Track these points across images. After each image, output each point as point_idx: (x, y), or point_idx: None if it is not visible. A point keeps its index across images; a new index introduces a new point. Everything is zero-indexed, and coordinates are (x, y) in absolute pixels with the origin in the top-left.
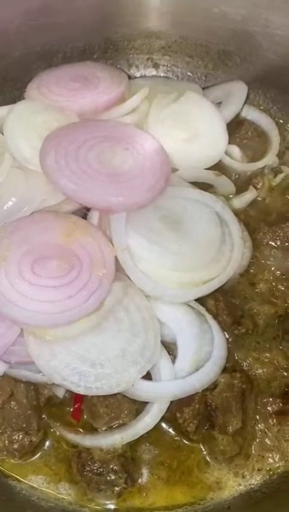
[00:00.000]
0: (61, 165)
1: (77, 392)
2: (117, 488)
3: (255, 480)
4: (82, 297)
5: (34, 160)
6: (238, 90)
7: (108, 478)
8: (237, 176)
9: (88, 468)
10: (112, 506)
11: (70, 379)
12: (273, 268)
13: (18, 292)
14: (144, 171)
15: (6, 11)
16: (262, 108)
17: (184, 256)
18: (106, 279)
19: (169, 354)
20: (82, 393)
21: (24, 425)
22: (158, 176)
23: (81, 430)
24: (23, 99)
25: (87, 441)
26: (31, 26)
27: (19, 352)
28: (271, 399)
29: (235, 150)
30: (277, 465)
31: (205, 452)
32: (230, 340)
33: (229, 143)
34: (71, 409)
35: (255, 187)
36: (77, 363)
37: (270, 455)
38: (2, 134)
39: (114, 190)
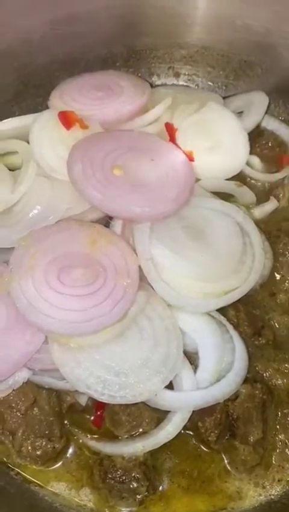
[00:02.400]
0: (88, 175)
1: (101, 400)
2: (138, 496)
3: (275, 491)
4: (108, 306)
5: (60, 169)
6: (259, 101)
7: (131, 486)
8: (258, 186)
9: (110, 476)
10: None
11: (94, 388)
12: None
13: (44, 300)
14: (168, 182)
15: (32, 20)
16: (282, 118)
17: (206, 266)
18: (130, 288)
19: (190, 364)
20: (105, 401)
21: (47, 432)
22: (183, 187)
23: (103, 437)
24: (46, 105)
25: (108, 448)
26: (55, 34)
27: (43, 359)
28: None
29: (256, 160)
30: None
31: (225, 462)
32: (250, 350)
33: (249, 153)
34: (92, 417)
35: (276, 197)
36: (102, 372)
37: None
38: (27, 141)
39: (139, 200)
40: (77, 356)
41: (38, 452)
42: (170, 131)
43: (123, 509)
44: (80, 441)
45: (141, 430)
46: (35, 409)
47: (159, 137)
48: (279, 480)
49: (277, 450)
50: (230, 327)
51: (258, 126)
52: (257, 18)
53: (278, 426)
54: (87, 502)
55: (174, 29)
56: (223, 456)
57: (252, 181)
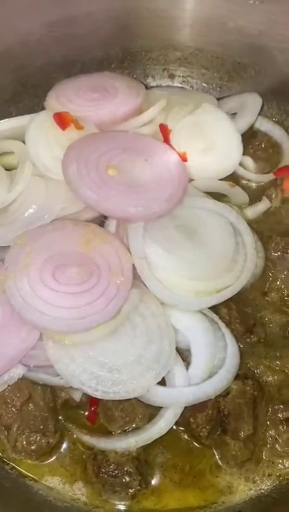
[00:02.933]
0: (83, 175)
1: (94, 396)
2: (131, 490)
3: (265, 485)
4: (101, 304)
5: (55, 169)
6: (253, 102)
7: (123, 480)
8: (250, 187)
9: (103, 470)
10: (126, 508)
11: (88, 384)
12: (284, 278)
13: (39, 298)
14: (162, 182)
15: (30, 23)
16: (275, 119)
17: (199, 265)
18: (124, 286)
19: (183, 360)
20: (99, 397)
21: (41, 427)
22: (176, 187)
23: (96, 433)
24: (42, 106)
25: (102, 443)
26: (52, 37)
27: (38, 356)
28: (281, 406)
29: (249, 161)
30: (287, 470)
31: (216, 457)
32: (242, 347)
33: (243, 154)
34: (86, 413)
35: (268, 198)
36: (95, 368)
37: (280, 461)
38: (23, 142)
39: (133, 200)
40: (72, 352)
41: (33, 447)
42: (164, 132)
43: (116, 503)
44: (74, 436)
45: (134, 425)
46: (30, 404)
47: (154, 138)
48: (269, 475)
49: (268, 446)
50: (222, 325)
51: (251, 127)
52: (250, 21)
53: (268, 422)
54: (80, 496)
55: (168, 31)
56: (214, 451)
57: (245, 182)
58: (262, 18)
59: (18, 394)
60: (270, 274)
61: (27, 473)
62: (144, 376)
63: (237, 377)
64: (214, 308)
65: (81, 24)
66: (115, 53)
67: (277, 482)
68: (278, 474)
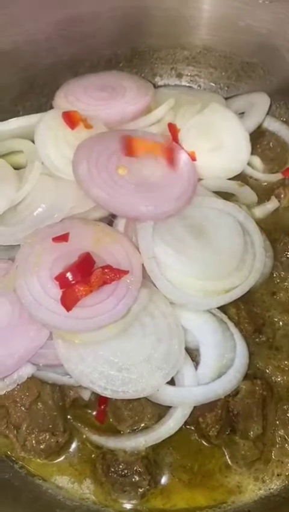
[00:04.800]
0: (93, 175)
1: (104, 395)
2: (140, 490)
3: (275, 485)
4: (111, 303)
5: (64, 168)
6: (261, 102)
7: (133, 480)
8: (259, 186)
9: (113, 470)
10: (134, 507)
11: (97, 383)
12: None
13: (50, 297)
14: (172, 182)
15: (37, 22)
16: (283, 119)
17: (208, 265)
18: (133, 286)
19: (192, 360)
20: (108, 396)
21: (50, 426)
22: (186, 186)
23: (105, 432)
24: (50, 105)
25: (111, 443)
26: (61, 36)
27: (47, 355)
28: None
29: (257, 160)
30: None
31: (226, 456)
32: (251, 347)
33: (251, 153)
34: (94, 412)
35: (277, 197)
36: (105, 367)
37: None
38: (32, 141)
39: (144, 199)
40: (81, 352)
41: (42, 446)
42: (173, 131)
43: (125, 502)
44: (84, 435)
45: (143, 425)
46: (39, 403)
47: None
48: (278, 475)
49: (277, 446)
50: (231, 324)
51: (260, 127)
52: (259, 20)
53: (278, 422)
54: (89, 495)
55: (177, 30)
56: (224, 451)
57: (253, 181)
58: (271, 17)
59: (27, 393)
60: (279, 274)
61: (36, 472)
62: (154, 376)
63: (246, 377)
64: (223, 308)
65: (89, 23)
66: (123, 52)
67: (287, 481)
68: (287, 474)
